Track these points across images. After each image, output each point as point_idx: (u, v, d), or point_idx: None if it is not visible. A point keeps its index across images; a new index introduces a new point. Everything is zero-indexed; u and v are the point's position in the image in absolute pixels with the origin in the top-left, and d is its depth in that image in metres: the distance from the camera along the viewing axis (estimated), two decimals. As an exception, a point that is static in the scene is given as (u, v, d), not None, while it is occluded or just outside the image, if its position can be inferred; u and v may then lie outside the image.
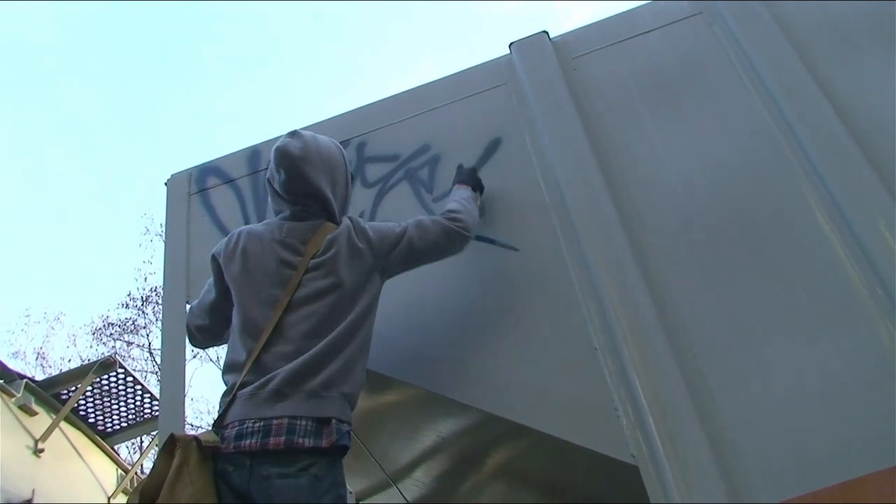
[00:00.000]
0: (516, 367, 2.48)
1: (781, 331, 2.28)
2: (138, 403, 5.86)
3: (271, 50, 40.39)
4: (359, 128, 3.17)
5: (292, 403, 2.05)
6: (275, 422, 2.01)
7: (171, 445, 2.01)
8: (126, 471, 5.85)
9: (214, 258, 2.43)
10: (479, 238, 2.70)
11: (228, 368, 2.24)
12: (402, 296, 2.71)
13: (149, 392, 5.80)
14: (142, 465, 6.50)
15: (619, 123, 2.83)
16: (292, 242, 2.32)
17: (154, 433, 7.45)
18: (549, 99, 2.90)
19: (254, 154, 3.29)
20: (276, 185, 2.42)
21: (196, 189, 3.33)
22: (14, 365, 5.06)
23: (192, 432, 2.13)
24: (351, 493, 3.63)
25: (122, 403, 5.75)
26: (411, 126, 3.10)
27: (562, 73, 2.97)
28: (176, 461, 1.97)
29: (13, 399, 4.83)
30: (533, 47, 3.09)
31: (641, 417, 2.18)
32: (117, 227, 36.38)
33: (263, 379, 2.09)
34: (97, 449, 5.68)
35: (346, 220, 2.40)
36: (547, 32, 3.12)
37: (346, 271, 2.27)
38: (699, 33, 2.94)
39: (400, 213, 2.87)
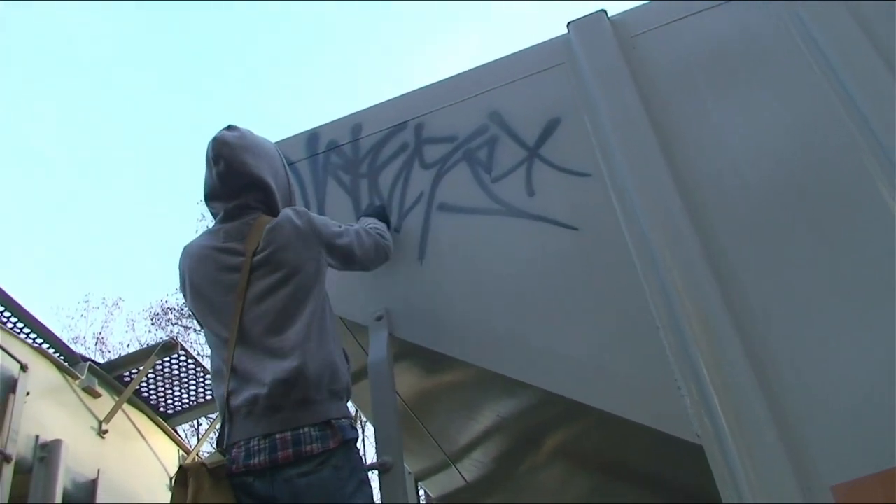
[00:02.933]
0: (577, 345, 2.47)
1: (847, 309, 2.24)
2: (199, 386, 5.93)
3: (326, 34, 40.65)
4: (417, 109, 3.17)
5: (289, 415, 2.08)
6: (278, 437, 2.05)
7: (183, 476, 2.05)
8: (188, 452, 5.93)
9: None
10: (538, 218, 2.70)
11: (213, 378, 2.31)
12: (461, 275, 2.72)
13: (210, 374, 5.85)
14: (201, 448, 6.58)
15: (679, 102, 2.79)
16: (230, 245, 2.31)
17: (213, 415, 7.56)
18: (608, 78, 2.87)
19: (312, 137, 3.30)
20: (212, 181, 2.40)
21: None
22: (75, 349, 5.14)
23: (200, 458, 2.18)
24: (410, 473, 3.66)
25: (182, 386, 5.82)
26: (469, 107, 3.09)
27: (621, 53, 2.93)
28: (191, 490, 2.01)
29: (77, 381, 4.92)
30: (591, 26, 3.05)
31: (705, 396, 2.17)
32: (174, 213, 36.99)
33: (251, 394, 2.11)
34: (159, 430, 5.77)
35: (285, 209, 2.38)
36: (605, 11, 3.09)
37: (294, 260, 2.27)
38: (762, 11, 2.87)
39: (459, 194, 2.88)
